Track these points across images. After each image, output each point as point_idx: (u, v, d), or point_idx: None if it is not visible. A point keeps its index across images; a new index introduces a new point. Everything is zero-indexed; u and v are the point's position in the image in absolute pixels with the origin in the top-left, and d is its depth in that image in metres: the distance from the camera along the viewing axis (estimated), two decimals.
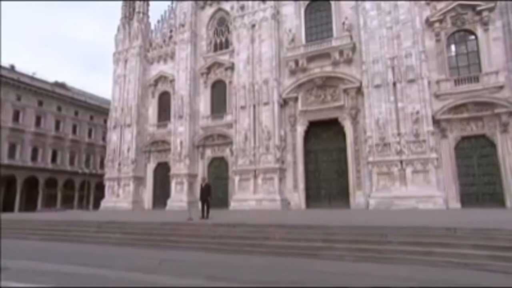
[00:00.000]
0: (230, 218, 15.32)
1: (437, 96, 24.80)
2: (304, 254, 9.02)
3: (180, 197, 32.47)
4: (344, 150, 27.68)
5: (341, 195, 27.39)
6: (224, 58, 34.50)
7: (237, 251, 9.72)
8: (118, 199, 36.19)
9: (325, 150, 28.97)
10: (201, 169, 33.61)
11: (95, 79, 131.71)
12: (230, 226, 12.01)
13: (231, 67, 33.19)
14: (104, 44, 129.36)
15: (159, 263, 8.31)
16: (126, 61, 39.09)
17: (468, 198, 23.31)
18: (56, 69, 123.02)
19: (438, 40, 25.60)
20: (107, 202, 36.89)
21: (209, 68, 35.02)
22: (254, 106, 29.96)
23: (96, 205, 42.68)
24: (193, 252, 9.94)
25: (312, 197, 28.48)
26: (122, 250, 10.65)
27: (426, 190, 22.99)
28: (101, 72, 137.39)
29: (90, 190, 53.30)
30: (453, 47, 25.65)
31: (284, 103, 29.90)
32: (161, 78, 37.98)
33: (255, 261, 8.63)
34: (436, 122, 24.18)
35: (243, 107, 30.42)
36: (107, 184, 37.54)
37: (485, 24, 24.08)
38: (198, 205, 22.99)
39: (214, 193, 20.91)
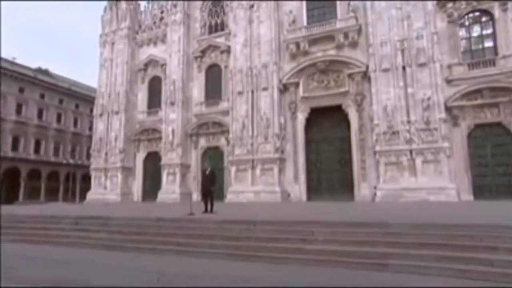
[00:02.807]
0: (236, 212, 13.18)
1: (448, 81, 23.18)
2: (365, 264, 6.62)
3: (172, 189, 30.45)
4: (347, 139, 26.00)
5: (344, 187, 25.80)
6: (219, 40, 32.22)
7: (265, 258, 7.34)
8: (105, 191, 33.93)
9: (327, 139, 27.25)
10: (194, 159, 31.61)
11: (81, 67, 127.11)
12: (249, 223, 9.28)
13: (227, 50, 30.97)
14: (89, 28, 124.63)
15: (157, 278, 6.16)
16: (113, 43, 36.40)
17: (480, 190, 21.90)
18: (38, 56, 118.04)
19: (450, 22, 23.87)
20: (94, 194, 34.59)
21: (203, 52, 32.73)
22: (252, 92, 27.94)
23: (83, 198, 40.34)
24: (202, 259, 7.60)
25: (313, 189, 26.83)
26: (107, 256, 8.47)
27: (438, 182, 21.48)
28: (86, 59, 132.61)
29: (76, 181, 50.75)
30: (466, 29, 24.02)
31: (284, 89, 27.95)
32: (151, 62, 35.52)
33: (297, 276, 6.11)
34: (447, 109, 22.61)
35: (240, 93, 28.37)
36: (93, 175, 35.20)
37: (503, 3, 22.44)
38: (192, 197, 21.08)
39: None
